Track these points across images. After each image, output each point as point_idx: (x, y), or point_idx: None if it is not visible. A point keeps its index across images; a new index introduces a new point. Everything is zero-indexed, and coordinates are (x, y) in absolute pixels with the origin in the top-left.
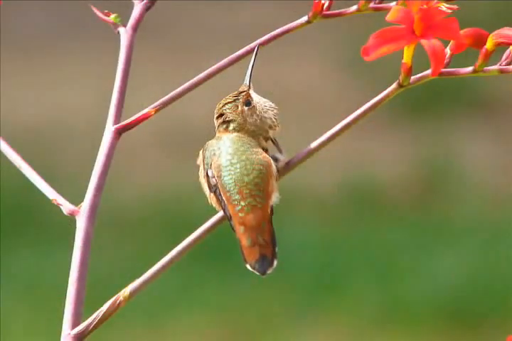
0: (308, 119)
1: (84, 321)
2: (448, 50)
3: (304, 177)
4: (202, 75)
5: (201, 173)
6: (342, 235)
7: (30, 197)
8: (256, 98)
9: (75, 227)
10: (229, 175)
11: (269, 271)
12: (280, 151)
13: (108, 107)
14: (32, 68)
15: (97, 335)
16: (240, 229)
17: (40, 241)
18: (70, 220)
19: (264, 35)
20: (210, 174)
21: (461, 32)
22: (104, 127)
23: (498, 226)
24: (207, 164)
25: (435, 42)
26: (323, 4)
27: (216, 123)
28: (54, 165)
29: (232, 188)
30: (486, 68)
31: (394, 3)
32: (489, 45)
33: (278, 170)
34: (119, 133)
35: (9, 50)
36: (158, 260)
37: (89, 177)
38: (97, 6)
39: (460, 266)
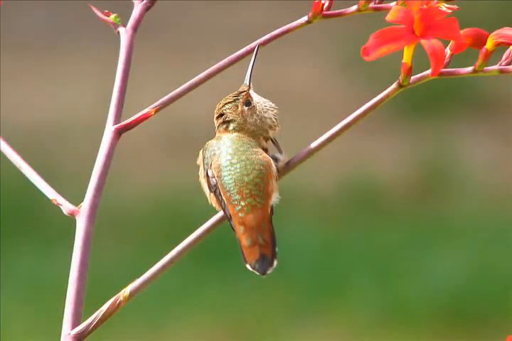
0: (308, 119)
1: (84, 321)
2: (448, 50)
3: (304, 177)
4: (202, 75)
5: (201, 173)
6: (342, 235)
7: (31, 197)
8: (256, 98)
9: (75, 227)
10: (229, 175)
11: (269, 271)
12: (280, 151)
13: (108, 107)
14: (32, 68)
15: (97, 335)
16: (239, 229)
17: (40, 241)
18: (70, 220)
19: (264, 35)
20: (210, 174)
21: (461, 32)
22: (104, 127)
23: (498, 226)
24: (207, 164)
25: (435, 42)
26: (323, 4)
27: (216, 123)
28: (54, 165)
29: (232, 188)
30: (486, 68)
31: (394, 3)
32: (489, 45)
33: (278, 170)
34: (119, 133)
35: (9, 50)
36: (158, 260)
37: (89, 177)
38: (97, 6)
39: (460, 266)
